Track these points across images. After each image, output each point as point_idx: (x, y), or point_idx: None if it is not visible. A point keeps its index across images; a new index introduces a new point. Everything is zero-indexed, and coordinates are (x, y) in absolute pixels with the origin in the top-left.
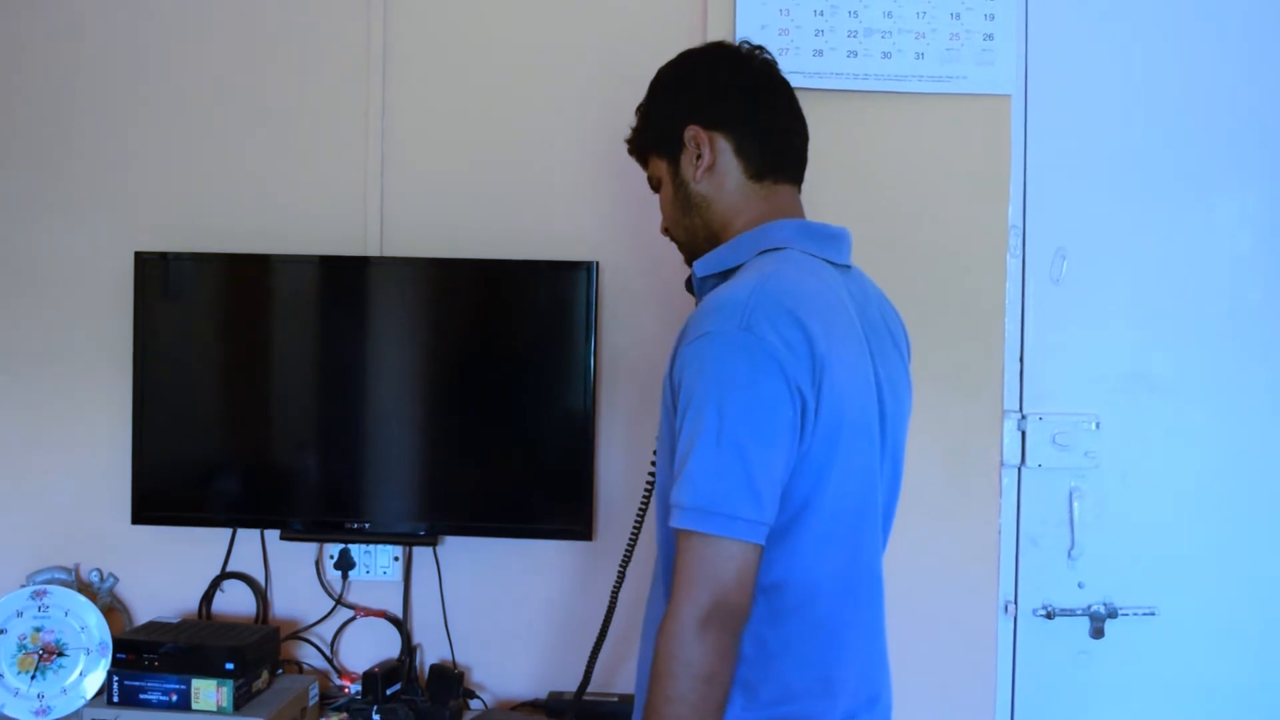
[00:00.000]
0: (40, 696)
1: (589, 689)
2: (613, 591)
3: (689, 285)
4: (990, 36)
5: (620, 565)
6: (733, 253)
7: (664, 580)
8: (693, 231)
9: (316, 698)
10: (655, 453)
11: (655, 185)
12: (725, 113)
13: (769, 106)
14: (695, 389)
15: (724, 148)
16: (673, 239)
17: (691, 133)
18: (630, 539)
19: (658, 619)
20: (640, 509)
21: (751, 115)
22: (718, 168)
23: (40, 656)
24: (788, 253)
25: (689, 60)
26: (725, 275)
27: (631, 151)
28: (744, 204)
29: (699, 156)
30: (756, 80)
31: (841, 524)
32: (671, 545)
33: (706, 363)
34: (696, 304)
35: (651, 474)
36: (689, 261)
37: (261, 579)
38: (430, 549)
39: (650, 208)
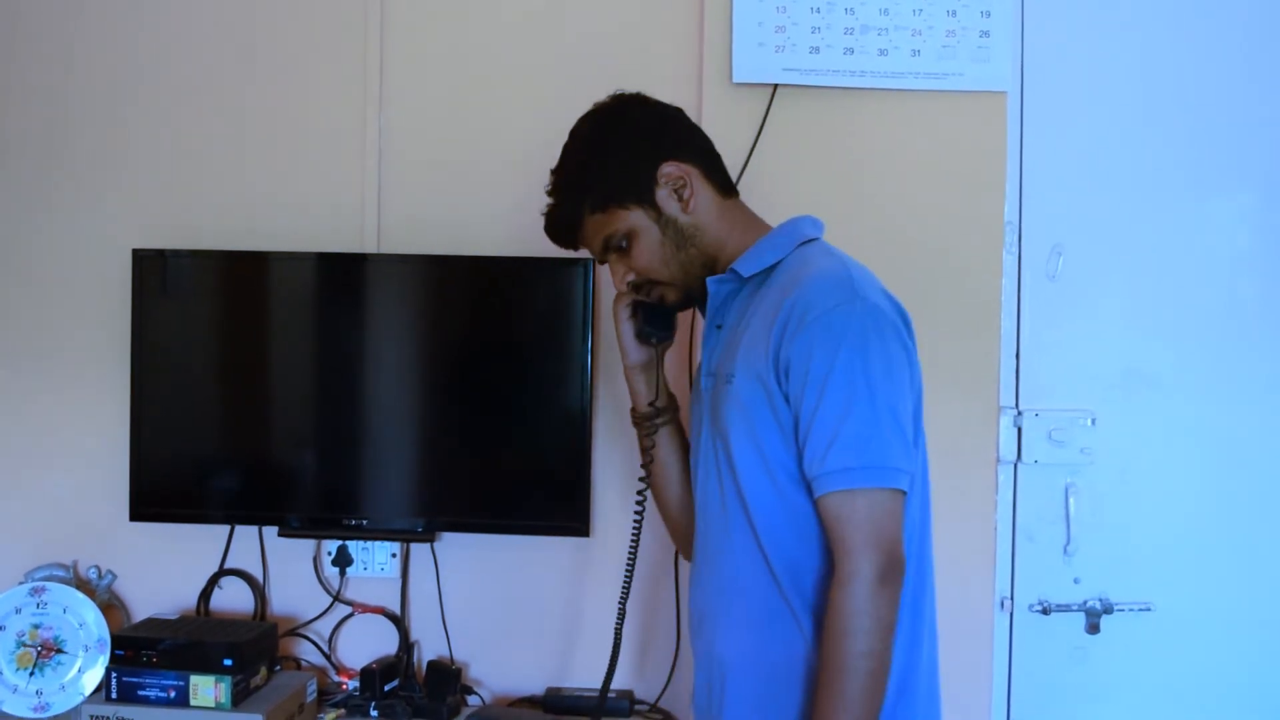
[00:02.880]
0: (39, 693)
1: (580, 684)
2: (621, 596)
3: (682, 304)
4: (986, 34)
5: (626, 567)
6: (772, 250)
7: (743, 528)
8: (688, 265)
9: (314, 694)
10: (710, 423)
11: (613, 244)
12: (685, 143)
13: (702, 134)
14: (836, 359)
15: (697, 176)
16: (655, 282)
17: (671, 169)
18: (632, 541)
19: (742, 571)
20: (636, 514)
21: (702, 142)
22: (698, 196)
23: (39, 653)
24: (825, 244)
25: (620, 111)
26: (768, 273)
27: (567, 228)
28: (729, 222)
29: (682, 189)
30: (683, 115)
31: (924, 477)
32: (759, 497)
33: (839, 334)
34: (703, 313)
35: (644, 479)
36: (674, 299)
37: (259, 576)
38: (428, 545)
39: None
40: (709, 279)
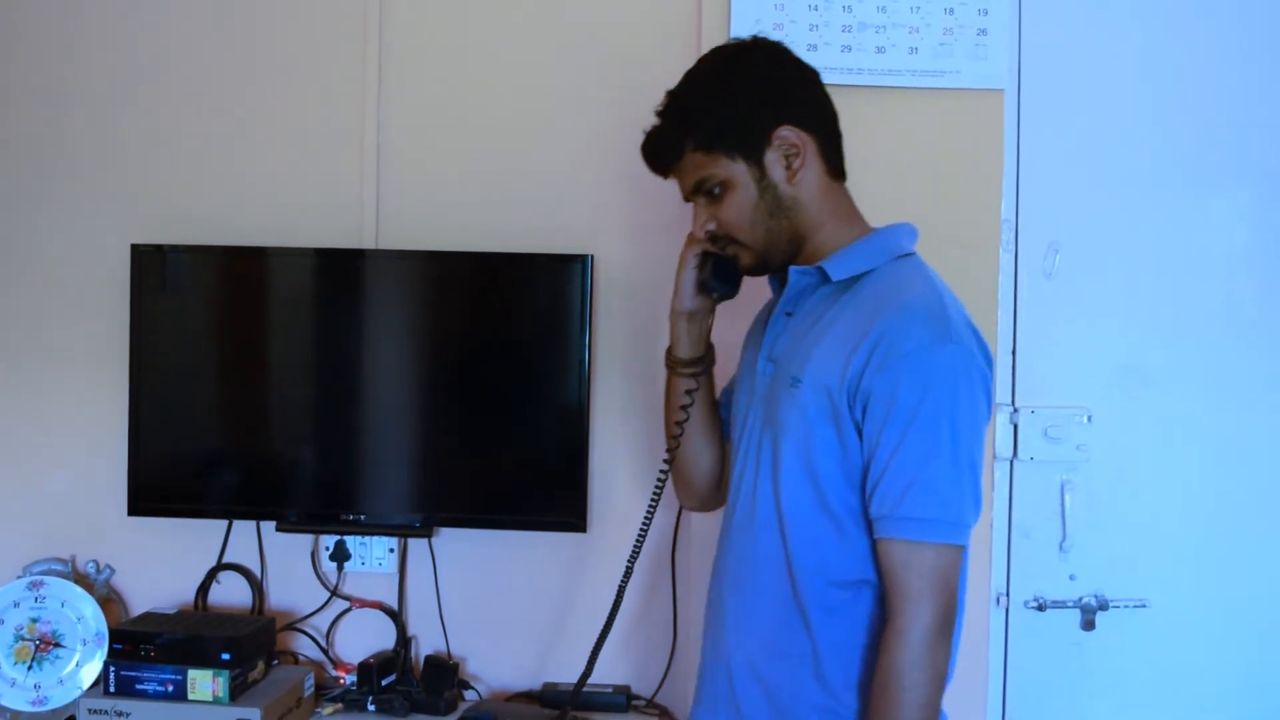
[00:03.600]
0: (37, 687)
1: (577, 679)
2: (620, 586)
3: (754, 270)
4: (984, 31)
5: (629, 559)
6: (866, 259)
7: (771, 530)
8: (776, 234)
9: (312, 688)
10: (761, 432)
11: (705, 188)
12: (811, 112)
13: (833, 108)
14: (922, 403)
15: (812, 149)
16: (734, 240)
17: (787, 133)
18: (640, 533)
19: (761, 574)
20: (651, 504)
21: (831, 116)
22: (807, 169)
23: (37, 647)
24: (919, 259)
25: (758, 58)
26: (856, 278)
27: (664, 153)
28: (830, 207)
29: (793, 157)
30: (819, 81)
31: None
32: (810, 520)
33: (929, 376)
34: (778, 297)
35: (664, 472)
36: (747, 263)
37: (257, 570)
38: (425, 541)
39: (646, 199)
40: (792, 268)
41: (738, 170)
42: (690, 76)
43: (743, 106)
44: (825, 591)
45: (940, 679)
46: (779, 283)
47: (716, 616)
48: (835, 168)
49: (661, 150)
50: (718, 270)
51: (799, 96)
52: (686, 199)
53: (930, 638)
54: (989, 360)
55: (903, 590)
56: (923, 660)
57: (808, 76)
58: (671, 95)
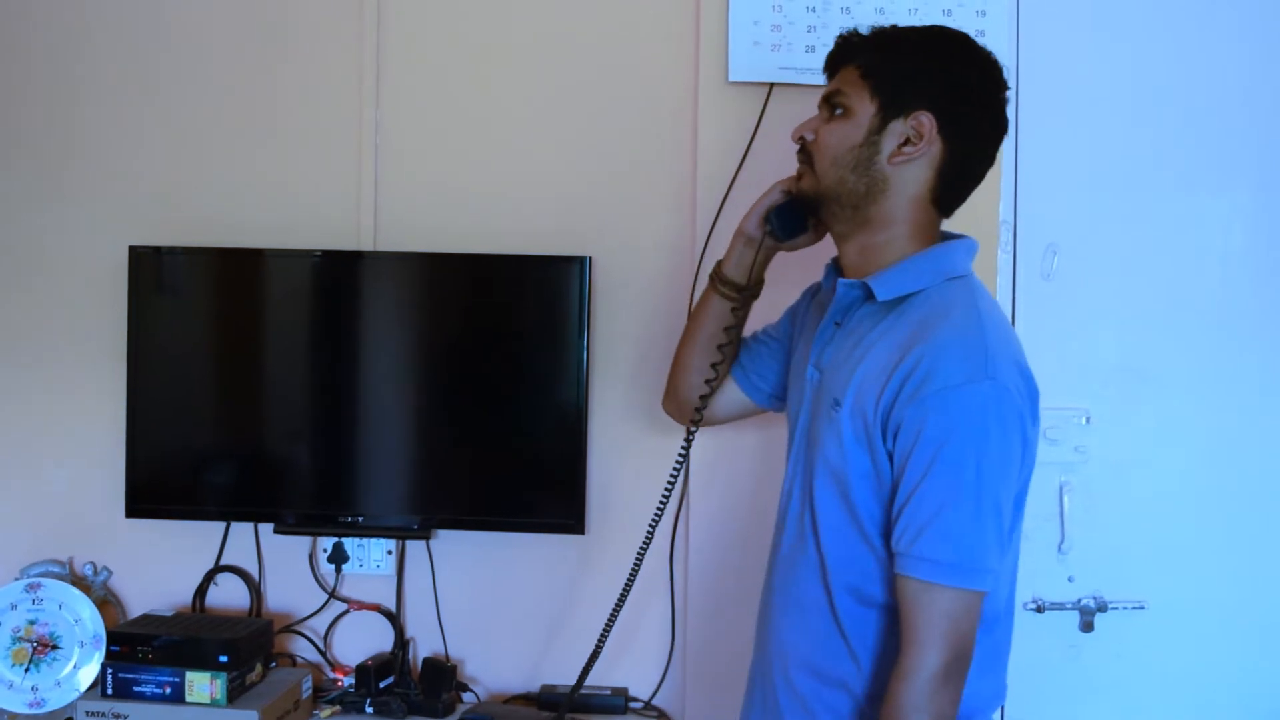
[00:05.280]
0: (34, 689)
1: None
2: (623, 590)
3: (809, 203)
4: (982, 33)
5: (634, 564)
6: (916, 279)
7: (811, 551)
8: (845, 186)
9: (309, 690)
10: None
11: (834, 102)
12: (965, 133)
13: (990, 156)
14: (947, 442)
15: (933, 157)
16: (810, 158)
17: (925, 121)
18: (645, 539)
19: (806, 593)
20: (659, 508)
21: (981, 155)
22: (911, 166)
23: (34, 649)
24: (974, 282)
25: (976, 59)
26: (905, 297)
27: (839, 53)
28: (913, 216)
29: (909, 145)
30: (1001, 125)
31: (1017, 544)
32: (846, 541)
33: (959, 416)
34: (831, 292)
35: (677, 466)
36: (807, 188)
37: (255, 572)
38: (423, 542)
39: (644, 201)
40: (841, 280)
41: (866, 110)
42: (913, 27)
43: (917, 70)
44: (861, 611)
45: None
46: (832, 277)
47: (765, 628)
48: (944, 195)
49: (839, 51)
50: (783, 211)
51: (966, 115)
52: (819, 106)
53: (934, 683)
54: (1033, 396)
55: (912, 630)
56: (925, 704)
57: (991, 113)
58: (886, 27)
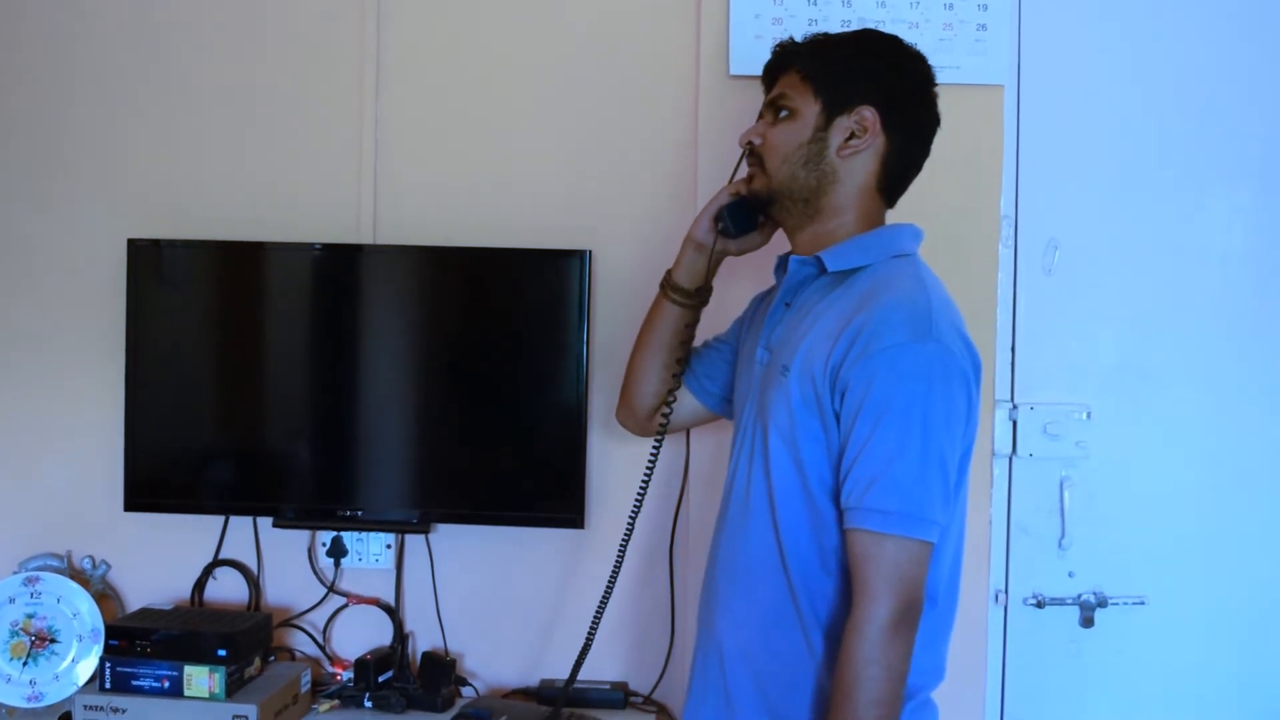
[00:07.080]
0: (33, 683)
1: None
2: (609, 581)
3: (761, 201)
4: (983, 27)
5: (618, 555)
6: (863, 253)
7: (764, 518)
8: (795, 182)
9: (308, 685)
10: (753, 428)
11: (779, 104)
12: (903, 129)
13: (927, 146)
14: (894, 397)
15: (877, 150)
16: (760, 160)
17: (869, 115)
18: (626, 530)
19: (755, 562)
20: (637, 500)
21: (919, 145)
22: (859, 158)
23: (33, 643)
24: (917, 260)
25: (905, 56)
26: (852, 272)
27: (778, 60)
28: (861, 205)
29: (855, 139)
30: (935, 118)
31: (962, 517)
32: (799, 508)
33: (905, 372)
34: (779, 286)
35: (651, 463)
36: (759, 189)
37: (254, 566)
38: (422, 537)
39: (644, 194)
40: (793, 257)
41: (811, 109)
42: (845, 31)
43: (856, 69)
44: (816, 578)
45: (897, 677)
46: (781, 272)
47: (709, 604)
48: (888, 184)
49: (777, 59)
50: (735, 210)
51: (905, 108)
52: (762, 112)
53: (885, 633)
54: (975, 363)
55: (862, 583)
56: (877, 655)
57: (925, 106)
58: (819, 34)
